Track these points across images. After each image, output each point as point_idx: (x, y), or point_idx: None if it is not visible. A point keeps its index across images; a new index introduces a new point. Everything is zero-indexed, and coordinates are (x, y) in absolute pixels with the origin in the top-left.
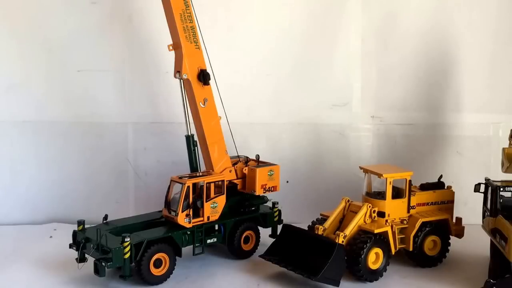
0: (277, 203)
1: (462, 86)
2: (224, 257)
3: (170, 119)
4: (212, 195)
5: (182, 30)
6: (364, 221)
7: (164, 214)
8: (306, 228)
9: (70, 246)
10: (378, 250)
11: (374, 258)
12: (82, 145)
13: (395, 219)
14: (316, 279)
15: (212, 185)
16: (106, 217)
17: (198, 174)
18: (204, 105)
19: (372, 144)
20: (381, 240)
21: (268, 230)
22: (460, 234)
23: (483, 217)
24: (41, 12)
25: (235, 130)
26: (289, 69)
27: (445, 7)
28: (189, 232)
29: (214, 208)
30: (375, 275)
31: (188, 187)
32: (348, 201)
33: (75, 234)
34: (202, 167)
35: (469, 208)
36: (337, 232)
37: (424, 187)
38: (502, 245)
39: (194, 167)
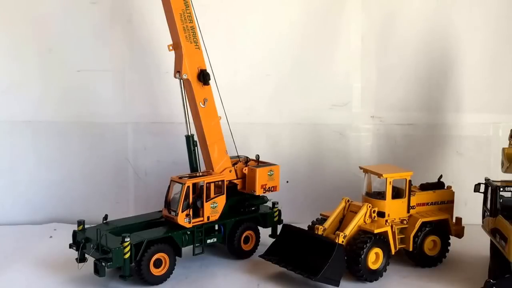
0: (277, 203)
1: (462, 86)
2: (224, 257)
3: (170, 119)
4: (212, 195)
5: (182, 30)
6: (364, 221)
7: (164, 214)
8: (306, 228)
9: (70, 246)
10: (378, 250)
11: (374, 258)
12: (82, 145)
13: (395, 219)
14: (316, 279)
15: (212, 185)
16: (106, 217)
17: (198, 174)
18: (204, 105)
19: (372, 144)
20: (381, 240)
21: (268, 230)
22: (460, 234)
23: (483, 217)
24: (41, 12)
25: (235, 130)
26: (289, 69)
27: (445, 7)
28: (189, 232)
29: (214, 208)
30: (375, 275)
31: (188, 187)
32: (348, 201)
33: (75, 234)
34: (202, 167)
35: (469, 208)
36: (337, 232)
37: (424, 187)
38: (502, 245)
39: (194, 167)
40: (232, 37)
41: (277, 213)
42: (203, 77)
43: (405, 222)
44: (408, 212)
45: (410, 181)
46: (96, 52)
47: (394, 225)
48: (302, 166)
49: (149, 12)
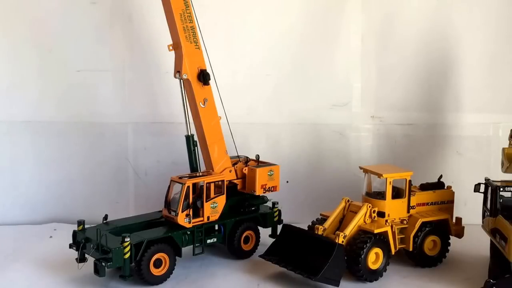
0: (277, 203)
1: (462, 86)
2: (224, 257)
3: (170, 119)
4: (212, 195)
5: (182, 30)
6: (364, 221)
7: (164, 214)
8: (306, 228)
9: (70, 246)
10: (378, 250)
11: (374, 258)
12: (82, 145)
13: (395, 219)
14: (316, 279)
15: (212, 185)
16: (106, 217)
17: (198, 174)
18: (204, 105)
19: (372, 144)
20: (381, 240)
21: (268, 230)
22: (460, 234)
23: (483, 217)
24: (41, 12)
25: (235, 130)
26: (289, 69)
27: (445, 7)
28: (189, 232)
29: (214, 208)
30: (375, 275)
31: (188, 187)
32: (348, 201)
33: (75, 234)
34: (202, 167)
35: (469, 208)
36: (337, 232)
37: (424, 187)
38: (502, 245)
39: (194, 167)
40: (232, 37)
41: (277, 213)
42: (203, 77)
43: (405, 222)
44: (408, 212)
45: (410, 181)
46: (96, 52)
47: (394, 225)
48: (302, 166)
49: (149, 12)
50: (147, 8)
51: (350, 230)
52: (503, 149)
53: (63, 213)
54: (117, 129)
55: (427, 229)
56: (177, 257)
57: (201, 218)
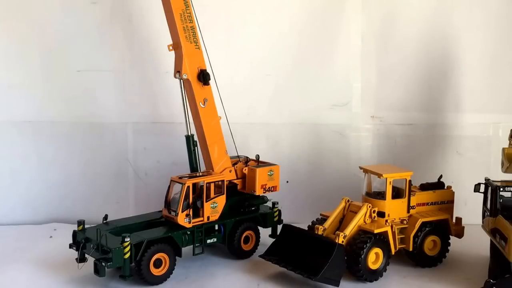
0: (277, 203)
1: (462, 86)
2: (224, 257)
3: (170, 119)
4: (212, 195)
5: (182, 30)
6: (364, 221)
7: (164, 214)
8: (306, 228)
9: (70, 246)
10: (378, 250)
11: (374, 258)
12: (82, 145)
13: (395, 219)
14: (316, 279)
15: (212, 185)
16: (106, 217)
17: (198, 174)
18: (204, 105)
19: (372, 144)
20: (381, 240)
21: (268, 230)
22: (460, 234)
23: (483, 217)
24: (41, 12)
25: (235, 130)
26: (289, 69)
27: (445, 7)
28: (189, 232)
29: (214, 208)
30: (375, 275)
31: (188, 187)
32: (348, 201)
33: (75, 234)
34: (202, 167)
35: (469, 208)
36: (337, 232)
37: (424, 187)
38: (502, 245)
39: (194, 167)
40: (232, 37)
41: (277, 213)
42: (203, 77)
43: (405, 222)
44: (408, 212)
45: (410, 181)
46: (96, 52)
47: (394, 225)
48: (302, 166)
49: (149, 12)
50: (147, 8)
51: (350, 230)
52: (503, 149)
53: (63, 213)
54: (117, 129)
55: (427, 229)
56: (177, 257)
57: (201, 218)
